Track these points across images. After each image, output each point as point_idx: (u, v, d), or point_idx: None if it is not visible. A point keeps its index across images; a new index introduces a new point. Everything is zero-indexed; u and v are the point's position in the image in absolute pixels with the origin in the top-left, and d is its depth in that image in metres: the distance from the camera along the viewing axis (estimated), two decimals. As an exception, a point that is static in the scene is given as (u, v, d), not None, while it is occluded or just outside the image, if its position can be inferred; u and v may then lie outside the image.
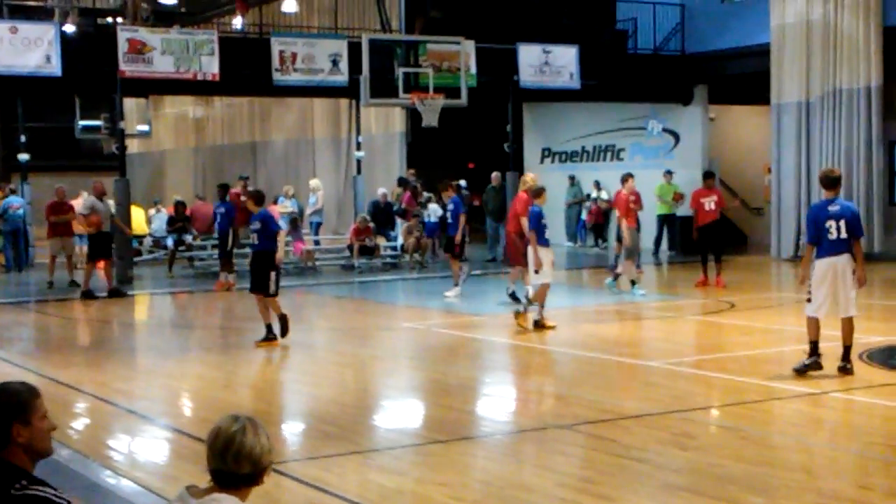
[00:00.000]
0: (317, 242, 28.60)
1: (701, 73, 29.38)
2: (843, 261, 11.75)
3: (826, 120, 25.91)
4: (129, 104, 29.98)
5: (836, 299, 11.87)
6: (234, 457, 3.85)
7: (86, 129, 27.38)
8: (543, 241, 16.17)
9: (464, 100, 24.19)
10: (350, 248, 25.80)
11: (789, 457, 9.01)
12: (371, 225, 25.92)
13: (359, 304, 20.39)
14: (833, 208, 11.79)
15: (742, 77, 29.25)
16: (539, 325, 15.72)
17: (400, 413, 11.23)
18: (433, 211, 26.57)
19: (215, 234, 23.42)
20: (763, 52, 26.98)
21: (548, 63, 26.71)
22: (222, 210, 22.32)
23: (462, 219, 20.36)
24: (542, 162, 34.64)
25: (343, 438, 9.66)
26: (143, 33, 22.86)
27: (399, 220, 27.35)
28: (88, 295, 20.69)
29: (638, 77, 29.45)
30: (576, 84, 27.08)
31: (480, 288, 23.04)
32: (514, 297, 18.33)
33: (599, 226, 32.13)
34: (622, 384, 12.12)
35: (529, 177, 18.79)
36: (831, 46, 25.66)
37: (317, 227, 29.19)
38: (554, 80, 26.89)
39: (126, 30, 22.93)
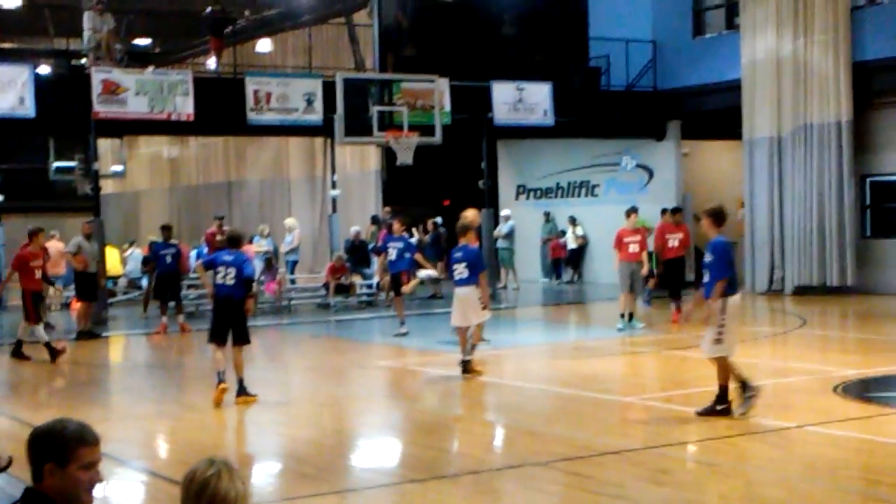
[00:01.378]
0: (293, 281, 28.55)
1: (673, 108, 29.60)
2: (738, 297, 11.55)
3: (798, 155, 26.13)
4: (104, 144, 29.97)
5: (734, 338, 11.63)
6: (208, 501, 3.81)
7: (60, 169, 27.36)
8: (457, 282, 15.16)
9: (438, 137, 24.26)
10: (326, 286, 25.77)
11: (767, 492, 9.01)
12: (347, 263, 25.92)
13: (335, 343, 20.34)
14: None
15: (714, 113, 29.47)
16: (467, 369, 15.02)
17: (377, 452, 11.19)
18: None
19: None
20: (734, 87, 27.23)
21: (521, 100, 26.85)
22: (172, 251, 22.26)
23: (418, 257, 20.77)
24: (517, 198, 34.75)
25: (320, 479, 9.61)
26: (117, 74, 22.86)
27: (374, 258, 27.34)
28: (89, 334, 20.66)
29: (611, 113, 29.63)
30: (550, 121, 27.22)
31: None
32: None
33: (577, 261, 32.24)
34: (598, 420, 12.11)
35: (470, 213, 18.68)
36: (802, 82, 25.92)
37: (293, 266, 29.16)
38: (528, 118, 27.02)
39: (100, 71, 22.92)
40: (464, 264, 14.93)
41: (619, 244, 20.44)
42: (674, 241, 20.94)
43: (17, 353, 18.11)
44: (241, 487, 3.86)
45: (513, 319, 24.42)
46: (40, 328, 18.05)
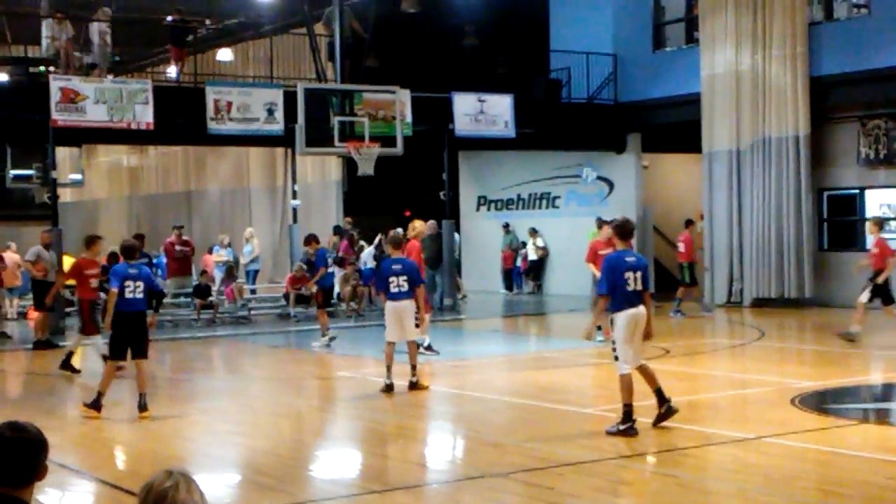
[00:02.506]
0: (253, 291, 28.45)
1: (634, 121, 29.78)
2: (641, 312, 11.42)
3: (756, 168, 26.35)
4: (62, 153, 29.72)
5: (637, 351, 11.55)
6: None
7: (17, 178, 27.09)
8: (389, 296, 14.82)
9: (399, 148, 24.26)
10: (286, 296, 25.68)
11: (725, 502, 9.06)
12: (307, 274, 25.82)
13: (294, 354, 20.26)
14: (630, 259, 11.46)
15: (674, 126, 29.69)
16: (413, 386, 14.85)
17: (336, 463, 11.15)
18: (367, 256, 26.63)
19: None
20: (694, 101, 27.43)
21: (483, 112, 26.90)
22: (144, 262, 21.97)
23: (322, 270, 20.52)
24: (477, 210, 34.83)
25: (279, 490, 9.57)
26: (76, 82, 22.69)
27: (336, 269, 27.27)
28: (46, 344, 20.42)
29: (572, 125, 29.75)
30: (511, 132, 27.28)
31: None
32: (428, 348, 18.30)
33: (537, 272, 32.36)
34: (558, 431, 12.13)
35: (418, 223, 18.71)
36: (760, 96, 26.16)
37: (254, 276, 29.05)
38: (489, 129, 27.07)
39: (59, 79, 22.75)
40: (403, 277, 14.67)
41: (594, 257, 19.97)
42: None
43: (67, 364, 17.38)
44: (198, 499, 3.82)
45: (472, 330, 24.45)
46: (100, 339, 17.28)
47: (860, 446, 10.98)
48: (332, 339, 20.20)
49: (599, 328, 19.07)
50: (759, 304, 26.30)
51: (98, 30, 25.25)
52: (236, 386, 16.80)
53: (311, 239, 21.58)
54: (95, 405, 13.27)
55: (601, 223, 21.37)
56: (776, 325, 23.20)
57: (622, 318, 11.39)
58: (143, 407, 13.21)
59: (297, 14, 30.31)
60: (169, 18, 28.36)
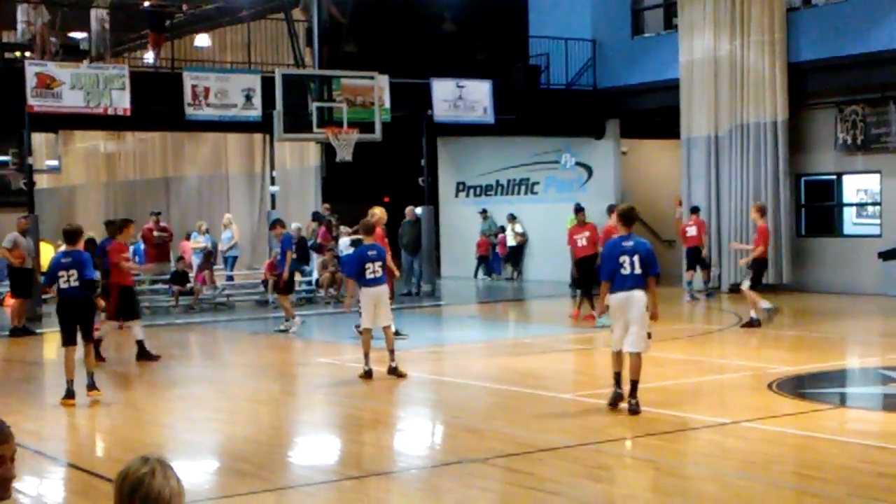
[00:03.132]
0: (231, 277, 28.37)
1: (612, 107, 29.79)
2: (636, 294, 11.75)
3: (734, 154, 26.42)
4: (39, 139, 29.59)
5: (627, 333, 11.83)
6: (142, 500, 3.72)
7: (-7, 164, 26.93)
8: (364, 282, 14.77)
9: (378, 134, 24.22)
10: (264, 283, 25.61)
11: (702, 487, 9.10)
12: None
13: (273, 340, 20.21)
14: (627, 244, 11.83)
15: (653, 111, 29.73)
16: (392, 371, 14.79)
17: (314, 449, 11.15)
18: (344, 245, 26.54)
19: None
20: (673, 87, 27.47)
21: (461, 98, 26.86)
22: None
23: (288, 255, 20.30)
24: (456, 196, 34.81)
25: (257, 476, 9.56)
26: (52, 68, 22.55)
27: (314, 255, 27.24)
28: (24, 331, 20.32)
29: (551, 111, 29.74)
30: (489, 118, 27.26)
31: (395, 323, 23.00)
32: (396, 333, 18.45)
33: (516, 258, 32.38)
34: (536, 417, 12.15)
35: (378, 210, 18.71)
36: (738, 82, 26.21)
37: (232, 262, 28.97)
38: (468, 115, 27.04)
39: (34, 64, 22.60)
40: (378, 263, 14.65)
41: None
42: (581, 240, 21.05)
43: (143, 354, 17.09)
44: (175, 485, 3.80)
45: (451, 316, 24.45)
46: (137, 325, 17.15)
47: (837, 430, 11.05)
48: (299, 324, 20.29)
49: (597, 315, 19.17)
50: (737, 289, 26.31)
51: (98, 16, 25.18)
52: (214, 372, 16.76)
53: (275, 223, 21.53)
54: (94, 386, 13.45)
55: (579, 209, 21.62)
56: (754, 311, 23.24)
57: (613, 300, 11.97)
58: (91, 386, 13.40)
59: (274, -1, 30.20)
60: (147, 4, 28.20)
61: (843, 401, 13.38)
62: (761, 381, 13.58)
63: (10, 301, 22.26)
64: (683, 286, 25.73)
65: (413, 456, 10.58)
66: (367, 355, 14.75)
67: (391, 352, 14.79)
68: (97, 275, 14.31)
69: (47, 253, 27.22)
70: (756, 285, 19.57)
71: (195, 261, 26.83)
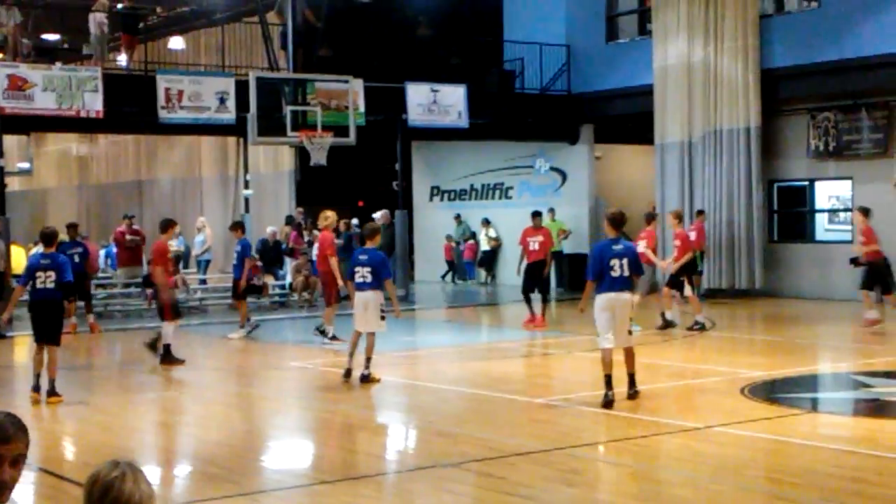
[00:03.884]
0: (203, 281, 28.26)
1: (587, 112, 29.84)
2: (624, 297, 12.36)
3: (708, 159, 26.51)
4: (10, 141, 29.38)
5: (616, 332, 12.42)
6: None
7: (-36, 166, 26.66)
8: (359, 286, 14.74)
9: (352, 138, 24.18)
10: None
11: (675, 491, 9.12)
12: (259, 264, 25.68)
13: (246, 344, 20.13)
14: (617, 247, 12.42)
15: (627, 117, 29.78)
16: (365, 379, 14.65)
17: (287, 454, 11.10)
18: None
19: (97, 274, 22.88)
20: (647, 92, 27.53)
21: (436, 102, 26.86)
22: (80, 250, 21.70)
23: (247, 262, 20.01)
24: (430, 200, 34.81)
25: (229, 480, 9.51)
26: (24, 69, 22.41)
27: (287, 259, 27.18)
28: None
29: (525, 116, 29.77)
30: (464, 123, 27.26)
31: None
32: (321, 332, 18.88)
33: (490, 262, 32.39)
34: (509, 421, 12.16)
35: (329, 213, 18.79)
36: (712, 88, 26.31)
37: (205, 266, 28.86)
38: (442, 119, 27.04)
39: (6, 65, 22.46)
40: (368, 268, 14.54)
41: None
42: (534, 244, 21.02)
43: (168, 357, 16.85)
44: (146, 490, 3.76)
45: (424, 321, 24.44)
46: (171, 328, 16.99)
47: (809, 435, 11.09)
48: (254, 327, 20.32)
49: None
50: (711, 294, 26.47)
51: (97, 20, 25.13)
52: (186, 376, 16.67)
53: (235, 226, 21.37)
54: (54, 392, 13.49)
55: (536, 214, 21.72)
56: (727, 316, 23.36)
57: (600, 300, 12.43)
58: (51, 392, 13.45)
59: (249, 2, 30.13)
60: (120, 6, 28.08)
61: (814, 405, 13.44)
62: (734, 385, 13.62)
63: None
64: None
65: (386, 460, 10.57)
66: (351, 355, 14.78)
67: (367, 359, 14.63)
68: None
69: (18, 256, 27.05)
70: (680, 288, 19.67)
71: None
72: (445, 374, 15.98)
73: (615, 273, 12.28)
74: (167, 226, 17.73)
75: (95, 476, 3.74)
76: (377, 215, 27.55)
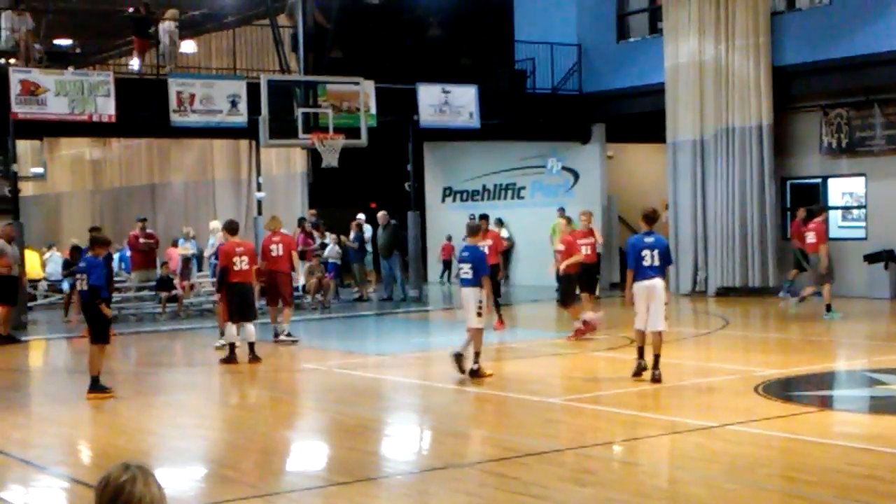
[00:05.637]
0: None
1: (598, 112, 29.82)
2: (656, 283, 13.82)
3: (720, 157, 26.46)
4: (24, 146, 29.49)
5: (650, 315, 13.89)
6: None
7: (-23, 171, 26.82)
8: (461, 282, 15.25)
9: (364, 140, 24.20)
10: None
11: (689, 490, 9.10)
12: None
13: (259, 346, 20.15)
14: (648, 240, 13.92)
15: (638, 116, 29.74)
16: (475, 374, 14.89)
17: (301, 455, 11.12)
18: (330, 251, 26.60)
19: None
20: (658, 91, 27.50)
21: (447, 103, 26.87)
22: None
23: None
24: (443, 201, 34.81)
25: (243, 482, 9.53)
26: (37, 74, 22.49)
27: (301, 261, 27.19)
28: (9, 339, 20.27)
29: (537, 116, 29.76)
30: (475, 123, 27.26)
31: (380, 328, 23.03)
32: (281, 336, 18.96)
33: (503, 262, 32.27)
34: (523, 421, 12.15)
35: (274, 217, 19.19)
36: (723, 86, 26.26)
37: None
38: (454, 120, 27.04)
39: (18, 71, 22.54)
40: (468, 265, 14.87)
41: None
42: (586, 248, 20.51)
43: (232, 357, 17.09)
44: (157, 492, 3.78)
45: (437, 322, 24.44)
46: (232, 328, 17.17)
47: (823, 433, 11.06)
48: (228, 346, 18.30)
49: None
50: (724, 293, 26.44)
51: (166, 29, 25.50)
52: (201, 379, 16.72)
53: (232, 228, 19.70)
54: (97, 387, 14.01)
55: (562, 215, 21.62)
56: (740, 314, 23.33)
57: (636, 287, 13.90)
58: (92, 388, 13.95)
59: (260, 5, 30.14)
60: (131, 10, 28.15)
61: (829, 403, 13.41)
62: (748, 383, 13.59)
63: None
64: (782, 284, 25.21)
65: (400, 461, 10.57)
66: (465, 348, 14.95)
67: (476, 354, 14.78)
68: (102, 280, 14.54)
69: (33, 260, 27.18)
70: (570, 297, 19.60)
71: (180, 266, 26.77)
72: (458, 374, 15.98)
73: (647, 262, 13.76)
74: (234, 228, 17.92)
75: (106, 479, 3.76)
76: (378, 216, 27.67)
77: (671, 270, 27.18)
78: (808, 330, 20.02)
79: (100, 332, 14.18)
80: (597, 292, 20.58)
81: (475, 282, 14.77)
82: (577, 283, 19.68)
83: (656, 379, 13.70)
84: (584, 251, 19.93)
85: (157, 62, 27.24)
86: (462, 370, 14.77)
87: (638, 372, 13.99)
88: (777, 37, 25.61)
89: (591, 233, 20.78)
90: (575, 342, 18.48)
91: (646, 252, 13.83)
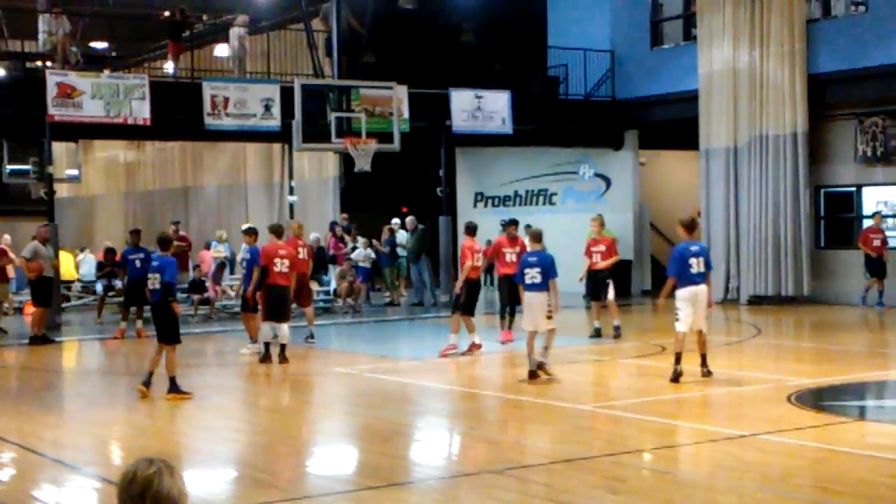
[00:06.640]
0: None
1: (631, 118, 29.76)
2: (703, 288, 14.56)
3: (753, 165, 26.34)
4: (59, 148, 29.69)
5: (697, 317, 14.55)
6: (153, 500, 3.70)
7: (14, 173, 27.02)
8: (528, 286, 15.45)
9: (396, 144, 24.25)
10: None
11: (720, 499, 9.06)
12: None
13: (290, 350, 20.23)
14: (694, 248, 14.74)
15: (671, 122, 29.67)
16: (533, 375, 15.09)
17: (332, 459, 11.14)
18: (360, 255, 26.65)
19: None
20: (691, 98, 27.41)
21: (480, 108, 26.87)
22: (142, 255, 21.71)
23: (255, 271, 18.18)
24: (475, 206, 34.80)
25: (275, 486, 9.56)
26: (73, 77, 22.67)
27: (331, 265, 27.28)
28: (43, 339, 20.43)
29: (569, 122, 29.73)
30: (508, 129, 27.26)
31: (410, 332, 23.05)
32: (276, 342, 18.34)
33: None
34: (554, 428, 12.13)
35: (247, 227, 19.31)
36: (758, 93, 26.14)
37: (250, 272, 28.97)
38: (486, 125, 27.05)
39: (55, 74, 22.73)
40: (537, 269, 15.14)
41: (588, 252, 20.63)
42: (511, 255, 19.83)
43: (267, 356, 17.25)
44: (182, 485, 3.76)
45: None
46: (284, 327, 17.42)
47: (856, 443, 10.98)
48: (254, 353, 18.34)
49: None
50: (756, 301, 26.30)
51: (237, 34, 25.85)
52: (232, 382, 16.80)
53: (247, 232, 19.56)
54: (174, 388, 14.15)
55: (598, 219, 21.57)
56: (773, 323, 23.21)
57: (684, 292, 14.53)
58: (171, 389, 14.04)
59: (294, 10, 30.28)
60: (167, 14, 28.34)
61: (862, 414, 13.32)
62: (780, 393, 13.52)
63: (29, 309, 22.34)
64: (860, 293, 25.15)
65: (430, 466, 10.57)
66: (529, 356, 15.13)
67: (545, 348, 15.20)
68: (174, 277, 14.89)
69: (67, 262, 27.37)
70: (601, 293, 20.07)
71: (213, 269, 26.89)
72: (489, 379, 15.98)
73: (693, 269, 14.47)
74: (280, 231, 18.14)
75: (132, 474, 3.75)
76: (401, 221, 27.79)
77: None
78: (840, 339, 19.88)
79: (173, 331, 14.37)
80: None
81: (544, 286, 15.14)
82: (608, 280, 20.10)
83: (707, 374, 14.57)
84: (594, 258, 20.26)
85: (191, 66, 27.41)
86: (549, 374, 15.08)
87: (675, 378, 14.30)
88: (812, 44, 25.48)
89: (604, 240, 20.81)
90: (471, 356, 18.04)
91: (692, 259, 14.54)
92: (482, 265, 19.56)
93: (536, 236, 15.95)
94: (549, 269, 15.21)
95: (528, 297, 15.25)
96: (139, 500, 3.71)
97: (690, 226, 15.19)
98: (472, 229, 19.24)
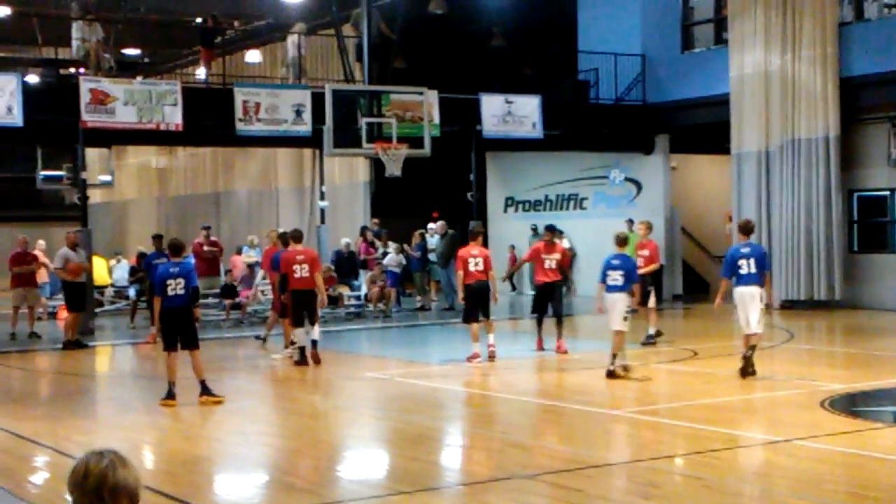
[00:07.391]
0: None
1: (662, 122, 29.67)
2: (752, 289, 15.07)
3: (785, 169, 26.20)
4: (92, 154, 29.89)
5: (746, 319, 15.10)
6: (111, 493, 3.63)
7: (47, 179, 27.23)
8: (609, 288, 15.89)
9: (427, 149, 24.27)
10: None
11: (753, 505, 9.02)
12: (334, 274, 25.87)
13: (322, 354, 20.29)
14: (745, 250, 15.26)
15: (702, 126, 29.57)
16: (611, 375, 15.51)
17: (364, 464, 11.16)
18: (391, 260, 26.69)
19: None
20: (723, 101, 27.30)
21: (510, 113, 26.88)
22: (164, 261, 21.63)
23: (272, 277, 18.26)
24: (505, 211, 34.79)
25: (307, 490, 9.59)
26: (106, 84, 22.82)
27: (362, 270, 27.33)
28: (77, 344, 20.58)
29: (600, 127, 29.68)
30: (538, 134, 27.24)
31: (441, 337, 23.04)
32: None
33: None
34: (586, 433, 12.10)
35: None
36: (789, 97, 26.01)
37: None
38: (517, 130, 27.04)
39: (88, 80, 22.88)
40: (620, 272, 15.60)
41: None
42: (551, 261, 19.55)
43: (303, 359, 17.68)
44: (135, 473, 3.71)
45: (499, 331, 24.36)
46: (300, 331, 17.74)
47: (891, 449, 10.89)
48: (299, 349, 18.04)
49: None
50: (788, 306, 26.16)
51: (294, 42, 26.11)
52: (264, 387, 16.86)
53: (295, 236, 18.75)
54: (207, 391, 14.18)
55: (628, 224, 21.55)
56: (805, 328, 23.07)
57: (735, 293, 15.24)
58: (205, 391, 14.13)
59: (325, 15, 30.38)
60: (198, 20, 28.50)
61: (896, 419, 13.21)
62: (813, 398, 13.44)
63: (63, 314, 22.50)
64: None
65: (462, 471, 10.57)
66: (613, 356, 15.56)
67: (613, 355, 15.51)
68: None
69: (100, 268, 27.54)
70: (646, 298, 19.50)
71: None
72: (520, 384, 15.97)
73: (743, 270, 15.03)
74: (297, 238, 18.24)
75: (85, 468, 3.69)
76: (434, 226, 27.82)
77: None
78: (875, 344, 19.75)
79: (196, 335, 14.46)
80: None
81: (625, 287, 15.56)
82: (650, 288, 20.02)
83: (747, 356, 15.08)
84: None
85: (223, 71, 27.54)
86: (630, 376, 15.43)
87: (743, 372, 15.10)
88: (844, 47, 25.33)
89: (649, 245, 20.69)
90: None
91: (742, 261, 15.07)
92: (508, 269, 19.71)
93: (621, 241, 16.41)
94: (632, 273, 15.79)
95: (607, 298, 15.76)
96: (95, 495, 3.64)
97: (744, 228, 15.82)
98: (472, 234, 19.16)
